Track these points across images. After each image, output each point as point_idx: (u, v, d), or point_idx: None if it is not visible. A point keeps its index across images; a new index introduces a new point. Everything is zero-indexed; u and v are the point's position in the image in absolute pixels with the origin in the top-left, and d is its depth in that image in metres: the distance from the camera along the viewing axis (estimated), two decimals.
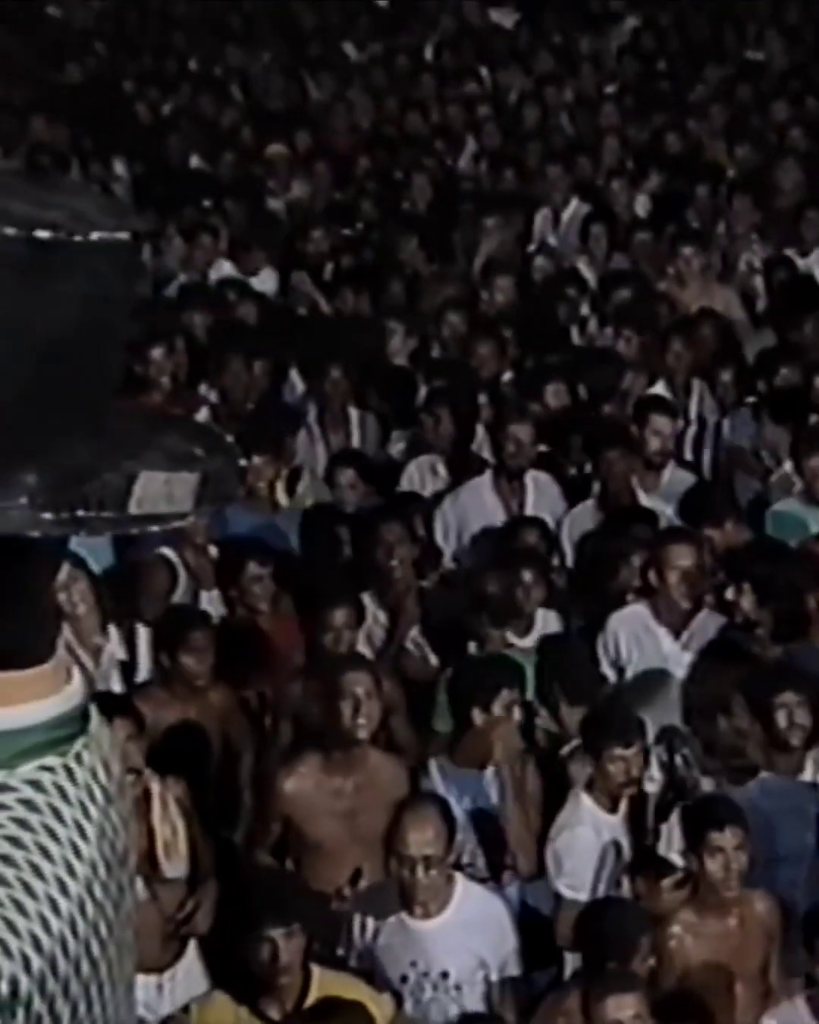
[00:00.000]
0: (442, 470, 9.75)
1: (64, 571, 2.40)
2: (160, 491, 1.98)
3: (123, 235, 1.93)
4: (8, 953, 1.87)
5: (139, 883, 6.81)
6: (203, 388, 10.63)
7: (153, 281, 12.28)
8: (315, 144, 14.49)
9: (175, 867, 6.87)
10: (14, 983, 1.85)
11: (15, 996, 1.87)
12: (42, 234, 1.86)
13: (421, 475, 9.76)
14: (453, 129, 15.00)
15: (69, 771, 2.00)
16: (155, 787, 6.84)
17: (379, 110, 15.56)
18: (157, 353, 10.32)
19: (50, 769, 1.99)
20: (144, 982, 6.78)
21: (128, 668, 8.05)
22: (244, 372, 10.39)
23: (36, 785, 1.97)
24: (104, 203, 2.00)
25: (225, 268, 12.36)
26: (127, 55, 16.38)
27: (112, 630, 7.95)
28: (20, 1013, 1.88)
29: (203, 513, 1.98)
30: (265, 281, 12.25)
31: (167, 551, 8.37)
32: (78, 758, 2.01)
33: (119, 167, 13.83)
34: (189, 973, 6.87)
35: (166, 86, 15.67)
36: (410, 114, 15.35)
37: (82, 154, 13.99)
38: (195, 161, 14.31)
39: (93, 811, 2.00)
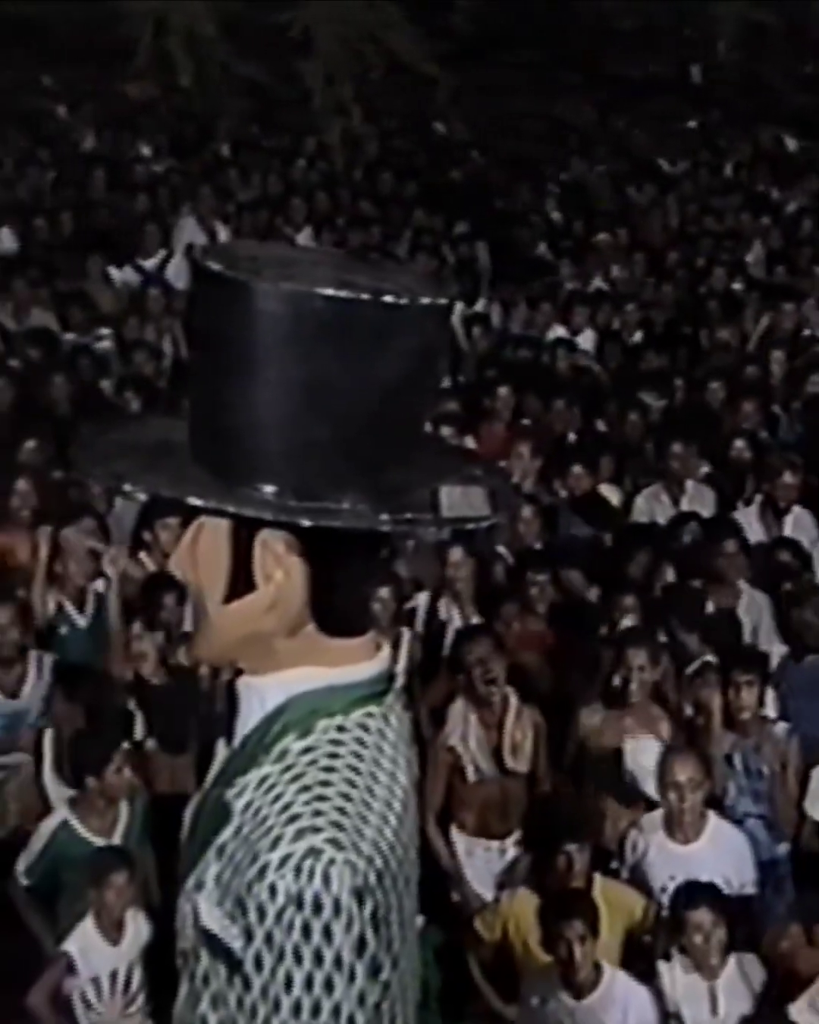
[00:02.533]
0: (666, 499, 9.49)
1: None
2: (460, 500, 2.01)
3: (444, 301, 2.02)
4: (360, 852, 1.93)
5: (488, 767, 6.99)
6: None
7: (500, 337, 12.38)
8: (632, 238, 14.42)
9: (519, 763, 6.98)
10: (365, 877, 1.92)
11: (368, 887, 1.92)
12: (388, 299, 1.94)
13: (649, 505, 9.55)
14: (743, 231, 14.85)
15: (385, 718, 2.06)
16: (512, 699, 7.00)
17: (685, 213, 15.43)
18: (503, 391, 10.51)
19: (372, 716, 2.05)
20: (487, 846, 7.00)
21: None
22: (566, 412, 10.47)
23: (364, 727, 2.03)
24: (421, 278, 2.11)
25: (558, 330, 12.40)
26: (494, 162, 16.40)
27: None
28: (369, 900, 1.92)
29: (499, 517, 2.05)
30: (586, 341, 12.25)
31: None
32: (390, 708, 2.07)
33: (480, 251, 13.85)
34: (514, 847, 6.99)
35: (519, 188, 15.67)
36: (709, 218, 15.25)
37: (452, 240, 14.02)
38: (540, 249, 14.28)
39: (403, 749, 2.07)
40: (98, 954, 5.92)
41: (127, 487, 2.04)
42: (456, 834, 7.10)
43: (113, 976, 5.94)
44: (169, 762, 6.86)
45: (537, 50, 18.53)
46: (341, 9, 16.67)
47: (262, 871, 1.92)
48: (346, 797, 1.96)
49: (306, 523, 1.95)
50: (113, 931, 5.93)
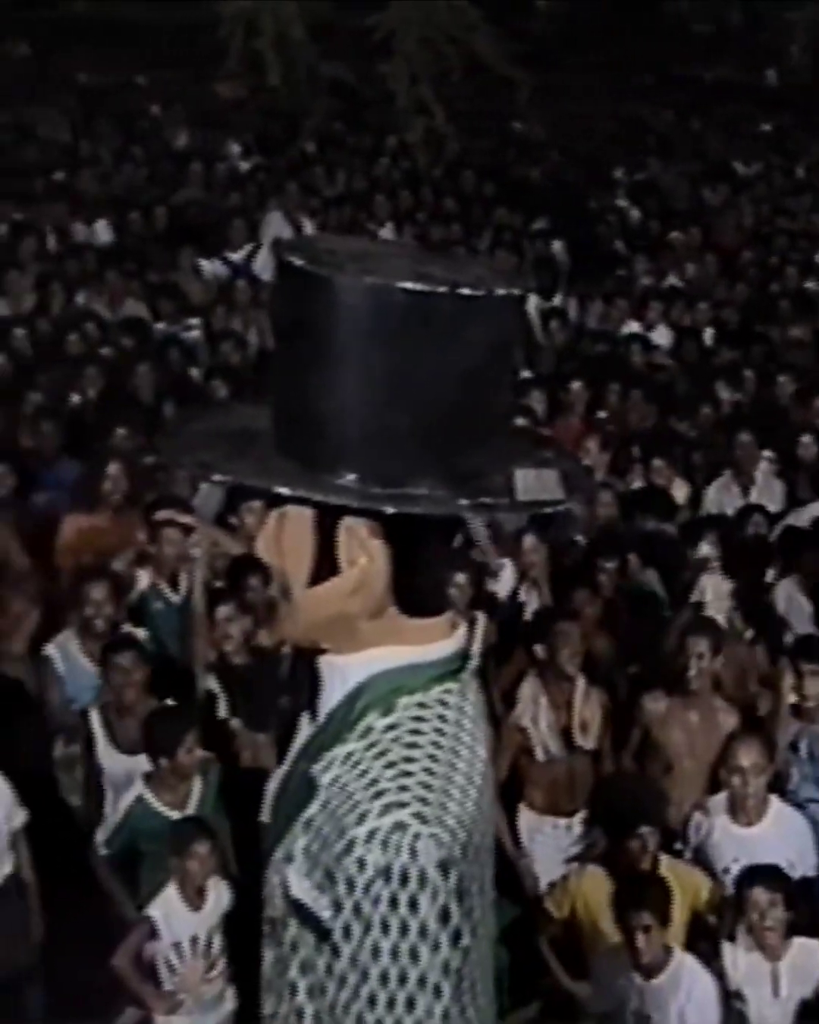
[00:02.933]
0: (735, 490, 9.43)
1: None
2: (535, 484, 2.01)
3: (517, 292, 2.00)
4: (444, 825, 1.94)
5: (556, 747, 7.00)
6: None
7: (577, 332, 12.33)
8: (705, 238, 14.34)
9: (587, 740, 6.98)
10: (449, 849, 1.93)
11: (452, 859, 1.93)
12: (465, 291, 1.94)
13: (719, 496, 9.46)
14: (815, 231, 14.73)
15: (463, 694, 2.06)
16: (581, 681, 6.99)
17: (758, 214, 15.32)
18: (576, 385, 10.46)
19: (451, 692, 2.05)
20: (555, 823, 7.00)
21: None
22: (642, 405, 10.42)
23: (443, 704, 2.04)
24: (495, 270, 2.11)
25: (632, 325, 12.33)
26: (571, 162, 16.34)
27: None
28: (453, 872, 1.93)
29: (574, 500, 2.04)
30: (661, 337, 12.19)
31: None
32: (467, 685, 2.08)
33: (557, 246, 13.80)
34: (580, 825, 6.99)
35: (596, 187, 15.62)
36: (782, 218, 15.13)
37: (530, 237, 13.99)
38: (618, 246, 14.21)
39: (481, 724, 2.07)
40: (180, 919, 5.94)
41: (215, 476, 2.06)
42: (524, 812, 7.10)
43: (194, 941, 5.97)
44: (251, 739, 6.87)
45: (614, 53, 18.48)
46: (424, 12, 16.67)
47: (350, 845, 1.93)
48: (429, 772, 1.96)
49: (390, 510, 1.95)
50: (195, 898, 5.96)
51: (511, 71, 16.80)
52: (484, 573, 7.85)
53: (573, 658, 7.01)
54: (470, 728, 2.05)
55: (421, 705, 2.02)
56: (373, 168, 15.75)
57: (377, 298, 1.91)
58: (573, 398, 10.39)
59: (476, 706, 2.08)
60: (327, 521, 2.01)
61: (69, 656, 7.14)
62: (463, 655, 2.09)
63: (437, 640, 2.07)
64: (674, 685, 7.04)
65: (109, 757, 6.59)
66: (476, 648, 2.12)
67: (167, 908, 5.93)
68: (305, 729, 2.16)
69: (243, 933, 5.84)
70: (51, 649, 7.16)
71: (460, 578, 7.12)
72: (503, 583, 8.02)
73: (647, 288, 13.06)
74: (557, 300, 12.63)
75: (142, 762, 6.37)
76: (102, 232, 13.41)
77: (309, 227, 13.48)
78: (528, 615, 7.81)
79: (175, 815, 6.24)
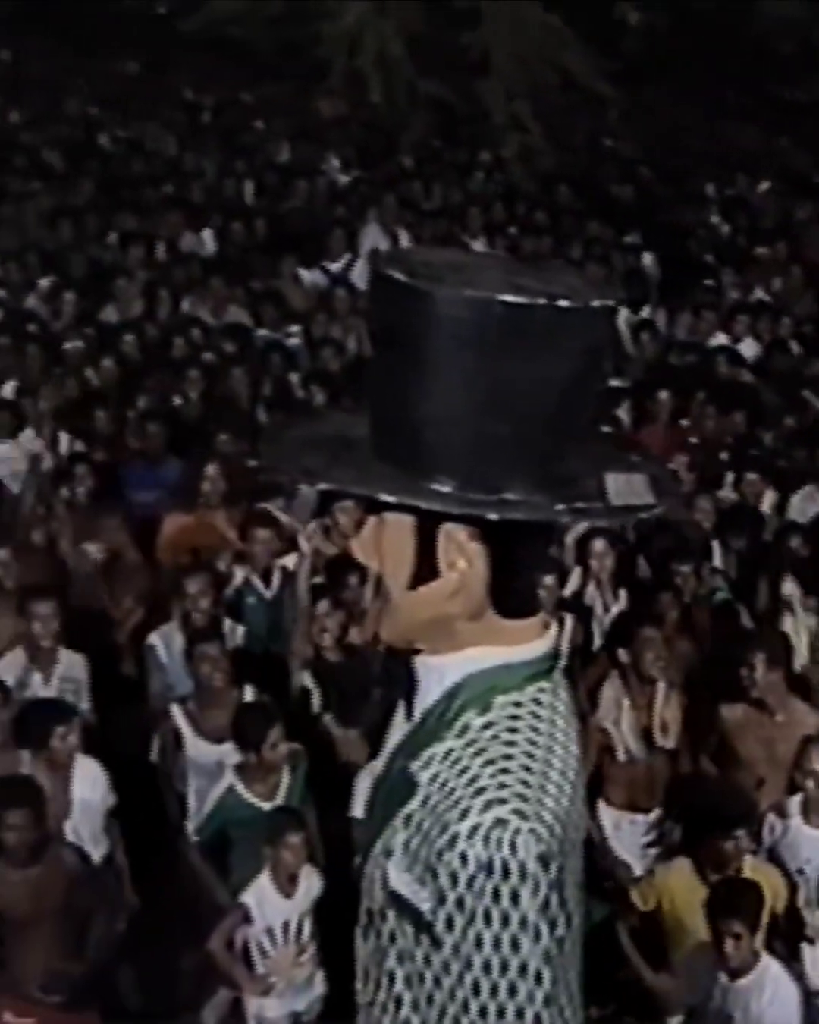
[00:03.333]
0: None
1: None
2: (625, 488, 2.01)
3: (610, 303, 2.00)
4: (542, 820, 1.95)
5: (637, 748, 6.96)
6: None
7: (666, 343, 12.27)
8: (791, 252, 14.22)
9: (667, 740, 6.95)
10: (548, 844, 1.94)
11: (550, 853, 1.94)
12: (561, 302, 1.93)
13: (803, 505, 9.37)
14: None
15: (555, 693, 2.07)
16: (661, 685, 6.97)
17: None
18: (663, 395, 10.41)
19: (544, 691, 2.06)
20: (633, 819, 6.98)
21: None
22: (728, 415, 10.35)
23: (537, 702, 2.04)
24: (586, 281, 2.08)
25: (720, 337, 12.25)
26: (661, 177, 16.25)
27: None
28: (552, 865, 1.94)
29: (665, 504, 2.03)
30: (747, 349, 12.09)
31: None
32: (558, 684, 2.08)
33: (647, 259, 13.74)
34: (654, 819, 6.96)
35: (685, 202, 15.53)
36: None
37: (622, 247, 13.94)
38: (707, 260, 14.13)
39: (572, 721, 2.08)
40: (272, 906, 5.99)
41: (321, 484, 2.06)
42: (603, 808, 7.09)
43: (286, 926, 6.01)
44: (342, 735, 6.90)
45: (702, 71, 18.35)
46: (519, 30, 16.63)
47: (453, 840, 1.95)
48: (527, 769, 1.97)
49: (493, 516, 1.95)
50: (287, 885, 6.00)
51: (602, 88, 16.76)
52: (565, 575, 7.85)
53: (656, 663, 7.00)
54: (562, 726, 2.05)
55: (516, 704, 2.03)
56: (468, 182, 15.74)
57: (476, 310, 1.92)
58: (659, 408, 10.35)
59: (567, 704, 2.09)
60: (427, 526, 2.01)
61: (171, 646, 7.22)
62: (554, 655, 2.09)
63: (530, 640, 2.07)
64: (747, 694, 7.00)
65: (195, 747, 6.65)
66: (565, 648, 2.11)
67: (260, 895, 5.97)
68: (400, 727, 2.16)
69: (332, 921, 5.88)
70: (154, 639, 7.27)
71: (548, 580, 7.11)
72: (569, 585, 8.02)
73: (735, 301, 12.97)
74: (646, 312, 12.57)
75: (228, 751, 6.42)
76: (207, 242, 13.50)
77: (405, 239, 13.51)
78: (597, 617, 7.80)
79: (264, 805, 6.28)
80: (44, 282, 12.00)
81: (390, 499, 1.98)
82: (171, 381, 10.21)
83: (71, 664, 7.07)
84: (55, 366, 10.35)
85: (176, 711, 6.73)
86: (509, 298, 1.91)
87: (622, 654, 7.06)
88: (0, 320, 11.04)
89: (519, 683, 2.04)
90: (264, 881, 5.98)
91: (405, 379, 1.97)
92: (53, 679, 6.99)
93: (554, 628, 2.11)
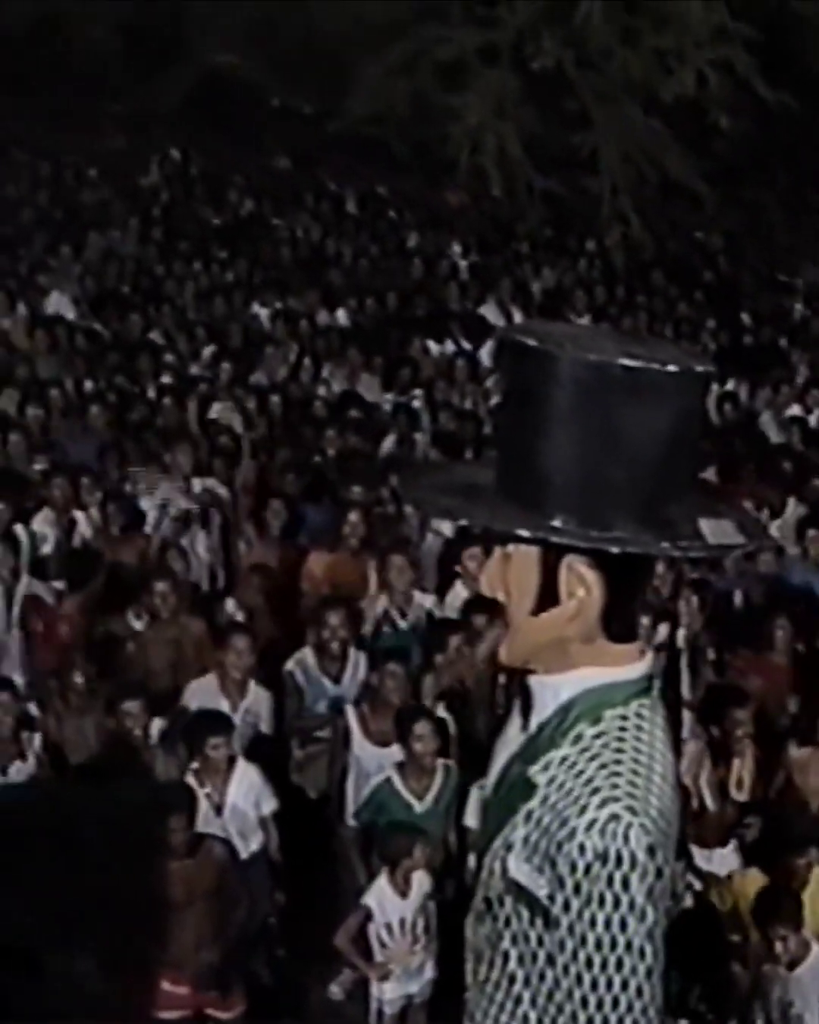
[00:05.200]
0: None
1: None
2: (717, 531, 2.05)
3: (710, 369, 2.06)
4: (649, 816, 2.00)
5: (709, 797, 6.87)
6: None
7: (746, 414, 12.25)
8: None
9: (741, 794, 6.87)
10: (654, 836, 2.00)
11: (656, 844, 1.99)
12: (671, 367, 2.00)
13: None
14: None
15: (654, 708, 2.11)
16: (746, 741, 6.86)
17: None
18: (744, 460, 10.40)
19: (645, 706, 2.10)
20: (704, 854, 6.80)
21: None
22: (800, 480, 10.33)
23: (640, 716, 2.09)
24: (680, 351, 2.13)
25: (794, 409, 12.19)
26: (746, 267, 16.19)
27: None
28: (658, 855, 2.01)
29: (754, 543, 2.09)
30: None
31: None
32: (655, 702, 2.12)
33: (731, 339, 13.72)
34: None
35: (771, 289, 15.46)
36: None
37: (710, 331, 13.91)
38: (783, 342, 14.07)
39: (668, 737, 2.11)
40: (391, 905, 6.09)
41: (462, 521, 2.17)
42: None
43: (402, 922, 6.11)
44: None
45: (787, 172, 18.34)
46: (625, 133, 16.72)
47: (572, 832, 2.00)
48: (634, 772, 2.03)
49: (615, 550, 2.02)
50: (403, 886, 6.09)
51: (697, 185, 16.79)
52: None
53: (743, 739, 6.79)
54: (661, 736, 2.11)
55: (623, 717, 2.08)
56: (575, 267, 15.84)
57: (599, 372, 1.99)
58: (741, 472, 10.32)
59: (663, 718, 2.14)
60: (551, 559, 2.07)
61: (308, 671, 7.31)
62: (650, 677, 2.14)
63: (632, 663, 2.12)
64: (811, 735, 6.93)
65: (363, 748, 6.69)
66: (658, 672, 2.19)
67: (381, 896, 6.08)
68: (515, 738, 2.21)
69: (443, 915, 6.00)
70: (291, 665, 7.32)
71: (644, 619, 7.11)
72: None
73: (809, 378, 12.93)
74: (730, 385, 12.58)
75: (393, 753, 6.51)
76: (342, 317, 13.70)
77: (519, 316, 13.62)
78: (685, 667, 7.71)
79: (414, 802, 6.38)
80: (206, 351, 12.25)
81: (525, 534, 2.03)
82: (312, 437, 10.37)
83: (257, 699, 7.05)
84: (213, 423, 10.54)
85: (350, 713, 6.75)
86: (628, 362, 1.99)
87: (713, 730, 6.91)
88: (171, 384, 11.25)
89: (624, 699, 2.10)
90: (383, 883, 6.10)
91: (533, 431, 2.02)
92: (239, 710, 6.95)
93: (650, 654, 2.17)
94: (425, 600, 7.88)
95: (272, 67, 18.63)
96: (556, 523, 2.02)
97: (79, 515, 8.72)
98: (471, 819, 6.20)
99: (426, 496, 2.16)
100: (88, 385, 11.33)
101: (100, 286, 13.81)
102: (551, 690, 2.13)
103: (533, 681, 2.17)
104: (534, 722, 2.15)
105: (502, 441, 2.12)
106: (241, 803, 6.39)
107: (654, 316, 14.12)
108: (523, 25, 16.22)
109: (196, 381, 11.39)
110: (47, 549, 8.51)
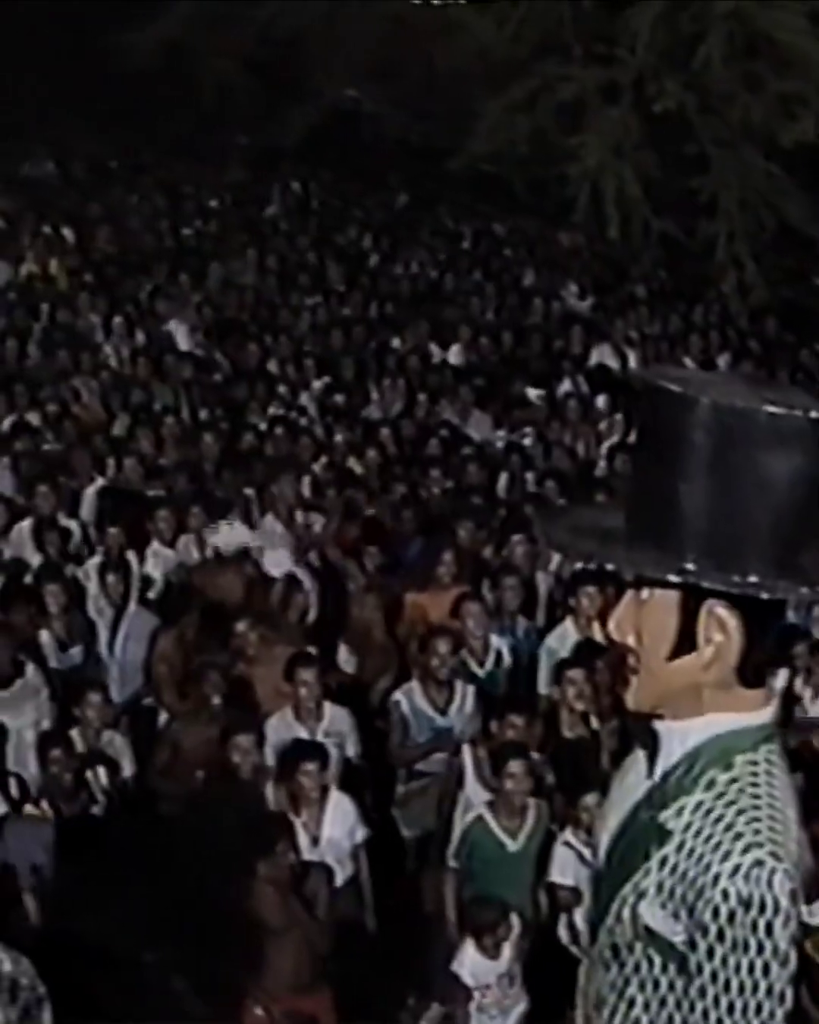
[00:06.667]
0: None
1: None
2: None
3: None
4: (789, 862, 2.01)
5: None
6: None
7: None
8: None
9: None
10: (795, 881, 2.00)
11: (797, 890, 2.00)
12: (814, 414, 2.01)
13: None
14: None
15: (780, 754, 2.12)
16: None
17: None
18: None
19: (773, 751, 2.11)
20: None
21: None
22: None
23: (769, 762, 2.10)
24: (810, 397, 2.11)
25: None
26: None
27: None
28: (799, 901, 2.00)
29: None
30: None
31: None
32: (781, 746, 2.13)
33: None
34: None
35: None
36: None
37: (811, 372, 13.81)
38: None
39: (790, 780, 2.12)
40: (482, 968, 6.09)
41: (608, 565, 2.16)
42: None
43: (498, 979, 6.10)
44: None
45: None
46: (744, 177, 16.66)
47: (716, 878, 2.00)
48: (773, 818, 2.04)
49: (765, 595, 2.03)
50: (493, 951, 6.09)
51: (814, 231, 16.70)
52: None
53: None
54: (786, 781, 2.12)
55: (753, 763, 2.09)
56: (690, 312, 15.82)
57: (743, 418, 2.00)
58: None
59: (785, 765, 2.14)
60: (691, 604, 2.07)
61: (414, 702, 7.34)
62: (774, 722, 2.15)
63: (759, 708, 2.13)
64: None
65: (474, 789, 6.70)
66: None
67: (471, 963, 6.08)
68: (637, 784, 2.19)
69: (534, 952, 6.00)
70: (398, 695, 7.36)
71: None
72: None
73: None
74: None
75: None
76: (454, 355, 13.78)
77: (633, 359, 13.61)
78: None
79: (507, 841, 6.35)
80: (317, 383, 12.37)
81: (676, 579, 2.03)
82: (421, 475, 10.41)
83: (335, 718, 7.16)
84: (322, 455, 10.64)
85: (467, 752, 6.75)
86: (772, 410, 1.99)
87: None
88: (280, 415, 11.36)
89: (753, 745, 2.10)
90: (470, 949, 6.08)
91: (672, 474, 2.01)
92: (319, 732, 7.07)
93: (775, 700, 2.17)
94: (502, 644, 7.84)
95: (394, 104, 18.83)
96: (693, 566, 2.01)
97: (179, 544, 8.84)
98: (557, 874, 6.18)
99: (565, 538, 2.16)
100: (202, 414, 11.51)
101: (218, 315, 14.01)
102: (679, 736, 2.12)
103: (661, 727, 2.15)
104: (659, 768, 2.14)
105: (637, 484, 2.11)
106: (337, 834, 6.44)
107: (771, 362, 13.99)
108: (643, 64, 16.23)
109: (303, 412, 11.50)
110: (156, 575, 8.66)
